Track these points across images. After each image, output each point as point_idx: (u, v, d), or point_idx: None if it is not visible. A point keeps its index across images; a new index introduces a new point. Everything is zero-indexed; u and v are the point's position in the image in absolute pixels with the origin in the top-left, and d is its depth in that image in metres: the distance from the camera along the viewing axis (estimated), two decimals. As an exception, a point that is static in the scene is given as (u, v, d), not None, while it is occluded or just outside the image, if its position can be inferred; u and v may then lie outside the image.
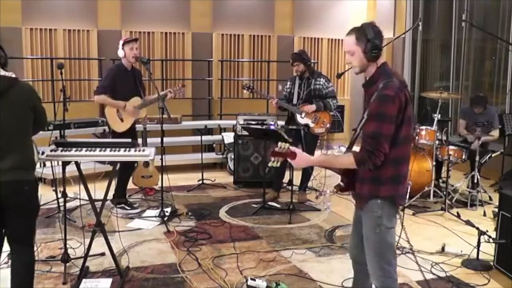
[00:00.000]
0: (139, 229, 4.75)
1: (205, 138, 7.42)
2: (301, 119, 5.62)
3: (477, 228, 3.97)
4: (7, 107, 2.71)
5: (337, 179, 2.75)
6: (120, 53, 5.06)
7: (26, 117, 2.82)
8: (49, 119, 3.15)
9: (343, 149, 10.04)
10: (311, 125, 5.62)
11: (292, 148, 2.47)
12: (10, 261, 3.49)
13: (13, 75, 2.81)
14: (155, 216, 5.02)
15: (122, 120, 5.09)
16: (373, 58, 2.44)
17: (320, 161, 2.64)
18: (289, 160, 2.47)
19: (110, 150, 3.36)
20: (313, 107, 5.59)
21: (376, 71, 2.47)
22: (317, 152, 6.88)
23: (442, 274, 3.76)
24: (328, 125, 5.70)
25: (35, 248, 3.04)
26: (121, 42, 5.07)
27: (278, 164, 2.49)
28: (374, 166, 2.39)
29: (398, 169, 2.47)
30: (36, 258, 3.22)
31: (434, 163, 5.81)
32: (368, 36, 2.41)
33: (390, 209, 2.50)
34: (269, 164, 2.51)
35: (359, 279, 2.86)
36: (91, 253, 3.62)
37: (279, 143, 2.49)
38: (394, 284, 2.57)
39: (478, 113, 6.20)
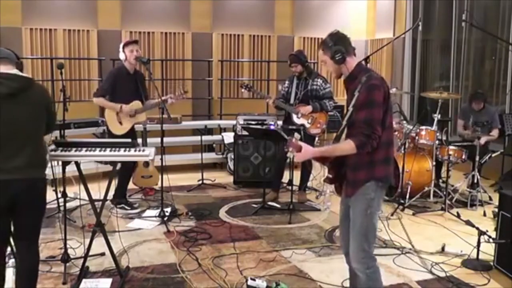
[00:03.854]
0: (139, 229, 4.75)
1: (205, 138, 7.43)
2: (297, 119, 5.62)
3: (477, 228, 3.97)
4: (25, 106, 2.77)
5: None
6: (121, 56, 5.07)
7: (41, 117, 2.88)
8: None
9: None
10: (307, 125, 5.62)
11: (300, 143, 2.62)
12: (10, 260, 3.51)
13: (29, 76, 2.89)
14: (155, 216, 5.02)
15: (121, 123, 5.09)
16: (338, 61, 2.70)
17: (322, 151, 2.77)
18: (294, 152, 2.61)
19: (110, 150, 3.36)
20: (309, 108, 5.58)
21: (355, 68, 2.73)
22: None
23: (442, 274, 3.76)
24: (324, 126, 5.69)
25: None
26: (121, 45, 5.08)
27: (293, 154, 2.63)
28: (372, 148, 2.59)
29: (388, 151, 2.71)
30: (39, 258, 3.22)
31: (434, 163, 5.81)
32: (329, 44, 2.72)
33: (381, 193, 2.74)
34: (288, 155, 2.66)
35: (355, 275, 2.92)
36: (91, 253, 3.63)
37: (296, 134, 2.65)
38: (375, 263, 2.74)
39: (477, 110, 6.20)
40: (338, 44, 2.70)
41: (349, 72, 2.74)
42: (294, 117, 5.63)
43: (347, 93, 2.79)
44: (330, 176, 2.78)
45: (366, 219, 2.68)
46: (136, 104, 5.12)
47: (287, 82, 5.85)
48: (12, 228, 2.89)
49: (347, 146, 2.60)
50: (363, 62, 2.83)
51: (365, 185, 2.67)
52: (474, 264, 3.92)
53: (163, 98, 5.02)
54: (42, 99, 2.90)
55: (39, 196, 2.89)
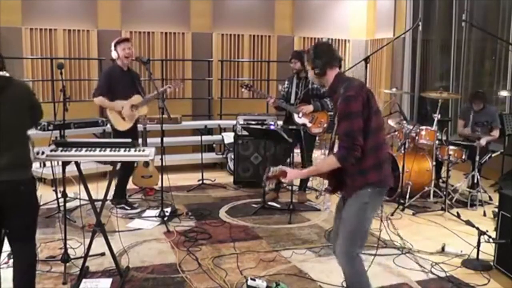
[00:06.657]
0: (139, 229, 4.75)
1: (205, 138, 7.43)
2: (298, 119, 5.62)
3: (477, 228, 3.97)
4: (6, 105, 2.71)
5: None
6: (113, 54, 5.08)
7: (23, 115, 2.83)
8: (49, 119, 3.16)
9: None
10: (309, 125, 5.61)
11: (283, 168, 2.73)
12: (10, 260, 3.50)
13: (7, 74, 2.81)
14: (155, 216, 5.02)
15: (124, 118, 5.09)
16: (317, 75, 2.83)
17: (309, 170, 2.91)
18: (281, 179, 2.75)
19: (110, 150, 3.36)
20: (310, 107, 5.58)
21: (334, 80, 2.81)
22: (317, 152, 6.89)
23: (442, 274, 3.77)
24: (325, 125, 5.68)
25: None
26: (112, 44, 5.08)
27: (273, 186, 2.75)
28: (356, 159, 2.64)
29: (377, 156, 2.73)
30: (36, 258, 3.22)
31: (434, 163, 5.81)
32: (310, 57, 2.82)
33: (378, 198, 2.81)
34: (266, 188, 2.76)
35: None
36: (91, 253, 3.63)
37: (272, 168, 2.74)
38: (357, 260, 2.78)
39: (477, 110, 6.19)
40: (319, 57, 2.78)
41: (329, 84, 2.83)
42: (296, 116, 5.62)
43: (334, 105, 2.87)
44: (330, 188, 2.87)
45: (356, 221, 2.75)
46: (137, 98, 5.13)
47: (286, 82, 5.85)
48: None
49: (330, 161, 2.70)
50: (341, 72, 2.87)
51: (360, 191, 2.73)
52: (474, 264, 3.92)
53: (161, 89, 5.11)
54: (24, 96, 2.84)
55: (25, 197, 2.81)
